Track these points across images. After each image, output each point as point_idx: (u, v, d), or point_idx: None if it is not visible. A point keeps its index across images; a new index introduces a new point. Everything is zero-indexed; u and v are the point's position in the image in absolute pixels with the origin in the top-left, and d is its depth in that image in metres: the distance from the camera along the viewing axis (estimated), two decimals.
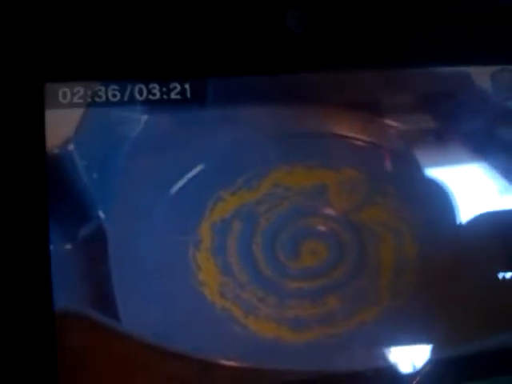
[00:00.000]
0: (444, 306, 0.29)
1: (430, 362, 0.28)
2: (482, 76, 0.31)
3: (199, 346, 0.27)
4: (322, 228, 0.29)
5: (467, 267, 0.30)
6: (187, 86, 0.28)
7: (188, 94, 0.29)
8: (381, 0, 0.31)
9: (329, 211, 0.29)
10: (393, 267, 0.29)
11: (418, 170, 0.31)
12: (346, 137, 0.30)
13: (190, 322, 0.27)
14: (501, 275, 0.30)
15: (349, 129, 0.30)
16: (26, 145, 0.27)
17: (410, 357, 0.28)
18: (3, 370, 0.25)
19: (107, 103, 0.28)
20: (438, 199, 0.30)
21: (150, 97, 0.28)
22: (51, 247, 0.26)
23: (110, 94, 0.28)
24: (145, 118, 0.28)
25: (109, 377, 0.26)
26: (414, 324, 0.29)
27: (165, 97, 0.28)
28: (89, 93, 0.28)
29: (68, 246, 0.27)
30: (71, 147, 0.27)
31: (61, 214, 0.27)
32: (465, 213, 0.30)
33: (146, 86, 0.28)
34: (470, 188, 0.31)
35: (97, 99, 0.28)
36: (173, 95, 0.28)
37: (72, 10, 0.28)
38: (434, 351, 0.29)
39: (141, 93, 0.28)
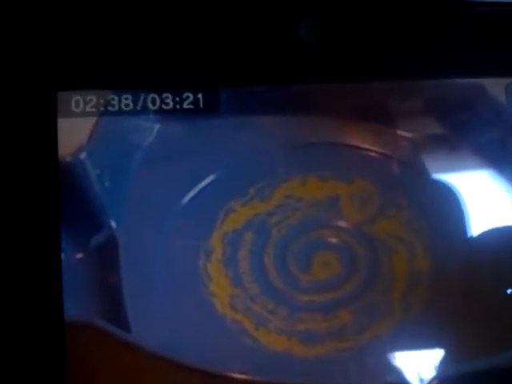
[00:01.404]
0: (456, 320, 0.29)
1: (441, 377, 0.28)
2: (496, 88, 0.31)
3: (209, 357, 0.27)
4: (334, 240, 0.29)
5: (480, 280, 0.29)
6: (200, 96, 0.28)
7: (201, 104, 0.28)
8: (395, 11, 0.31)
9: (341, 223, 0.29)
10: (405, 280, 0.29)
11: (430, 181, 0.30)
12: (359, 148, 0.30)
13: (200, 334, 0.27)
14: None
15: (362, 140, 0.30)
16: (38, 153, 0.27)
17: (421, 371, 0.28)
18: (13, 379, 0.25)
19: (120, 112, 0.28)
20: (451, 211, 0.30)
21: (163, 106, 0.28)
22: (62, 256, 0.26)
23: (122, 103, 0.28)
24: (157, 127, 0.28)
25: None
26: (426, 338, 0.28)
27: (178, 106, 0.28)
28: (101, 102, 0.28)
29: (79, 255, 0.27)
30: (83, 155, 0.27)
31: (72, 223, 0.27)
32: (478, 225, 0.30)
33: (159, 96, 0.28)
34: (483, 200, 0.30)
35: (109, 108, 0.28)
36: (186, 105, 0.28)
37: (85, 19, 0.28)
38: (445, 366, 0.28)
39: (154, 102, 0.28)
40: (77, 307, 0.26)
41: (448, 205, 0.30)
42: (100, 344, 0.26)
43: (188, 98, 0.28)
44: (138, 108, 0.28)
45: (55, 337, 0.26)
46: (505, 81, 0.31)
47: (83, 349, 0.26)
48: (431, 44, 0.31)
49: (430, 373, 0.28)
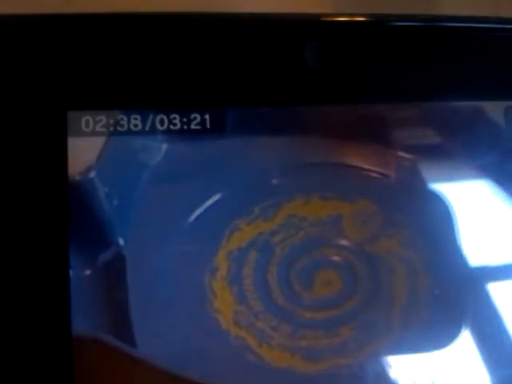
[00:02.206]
0: (456, 338, 0.29)
1: None
2: (495, 111, 0.32)
3: (213, 373, 0.27)
4: (336, 258, 0.30)
5: (480, 300, 0.30)
6: (207, 117, 0.29)
7: (207, 124, 0.29)
8: (397, 36, 0.31)
9: (343, 242, 0.30)
10: (405, 298, 0.29)
11: (430, 200, 0.31)
12: (361, 168, 0.31)
13: (204, 350, 0.27)
14: None
15: (363, 160, 0.31)
16: (48, 171, 0.27)
17: None
18: None
19: (129, 132, 0.28)
20: (451, 230, 0.31)
21: (171, 127, 0.29)
22: (71, 272, 0.27)
23: (131, 123, 0.28)
24: (165, 147, 0.29)
25: None
26: (425, 355, 0.29)
27: (185, 127, 0.29)
28: (111, 121, 0.28)
29: (87, 272, 0.27)
30: (93, 174, 0.28)
31: (81, 240, 0.27)
32: (477, 243, 0.31)
33: (167, 116, 0.29)
34: (482, 219, 0.31)
35: (119, 128, 0.28)
36: (193, 125, 0.29)
37: (96, 39, 0.28)
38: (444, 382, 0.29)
39: (162, 123, 0.28)
40: (84, 322, 0.27)
41: (448, 224, 0.31)
42: (106, 359, 0.27)
43: (195, 118, 0.29)
44: (147, 128, 0.28)
45: (63, 351, 0.26)
46: (504, 104, 0.32)
47: (90, 363, 0.26)
48: (432, 67, 0.31)
49: None
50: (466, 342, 0.29)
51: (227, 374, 0.27)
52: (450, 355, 0.29)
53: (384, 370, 0.29)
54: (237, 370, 0.28)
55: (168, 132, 0.29)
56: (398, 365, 0.29)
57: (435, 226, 0.31)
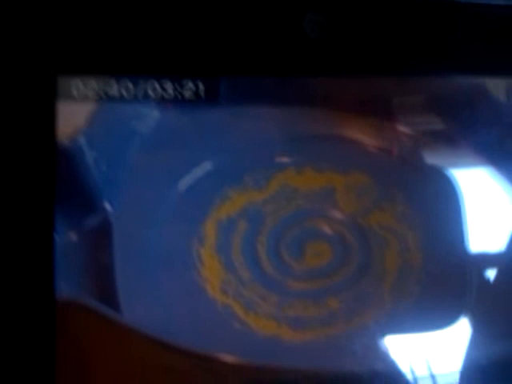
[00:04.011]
0: (447, 314, 0.29)
1: (428, 366, 0.28)
2: (497, 87, 0.31)
3: (199, 340, 0.27)
4: (328, 230, 0.29)
5: (473, 275, 0.30)
6: (201, 85, 0.29)
7: (201, 93, 0.29)
8: (398, 8, 0.31)
9: (336, 214, 0.30)
10: (397, 273, 0.29)
11: (427, 176, 0.31)
12: (357, 141, 0.30)
13: (191, 317, 0.28)
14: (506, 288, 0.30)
15: (360, 133, 0.30)
16: (36, 135, 0.27)
17: (409, 360, 0.28)
18: (2, 357, 0.26)
19: (119, 98, 0.28)
20: (447, 206, 0.30)
21: (163, 94, 0.28)
22: (56, 236, 0.27)
23: (122, 90, 0.28)
24: (157, 114, 0.29)
25: (107, 367, 0.27)
26: (415, 329, 0.29)
27: (178, 95, 0.29)
28: (102, 87, 0.28)
29: (73, 237, 0.27)
30: (81, 139, 0.28)
31: (67, 205, 0.27)
32: (473, 220, 0.30)
33: (160, 84, 0.28)
34: (480, 196, 0.30)
35: (109, 94, 0.28)
36: (186, 93, 0.29)
37: (88, 3, 0.28)
38: (433, 357, 0.29)
39: (154, 90, 0.28)
40: (68, 288, 0.27)
41: (444, 200, 0.30)
42: (90, 324, 0.27)
43: (189, 86, 0.29)
44: (138, 95, 0.28)
45: (46, 316, 0.26)
46: (506, 81, 0.31)
47: (73, 329, 0.27)
48: (435, 41, 0.31)
49: (418, 362, 0.28)
50: (462, 324, 0.29)
51: (213, 341, 0.27)
52: (445, 336, 0.29)
53: (372, 343, 0.28)
54: (223, 338, 0.28)
55: (160, 99, 0.28)
56: (386, 337, 0.28)
57: (431, 201, 0.31)
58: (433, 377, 0.28)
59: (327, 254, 0.29)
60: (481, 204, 0.30)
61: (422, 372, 0.28)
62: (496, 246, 0.30)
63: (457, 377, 0.29)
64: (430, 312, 0.29)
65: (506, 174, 0.31)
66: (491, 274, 0.30)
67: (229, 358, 0.27)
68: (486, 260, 0.30)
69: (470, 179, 0.31)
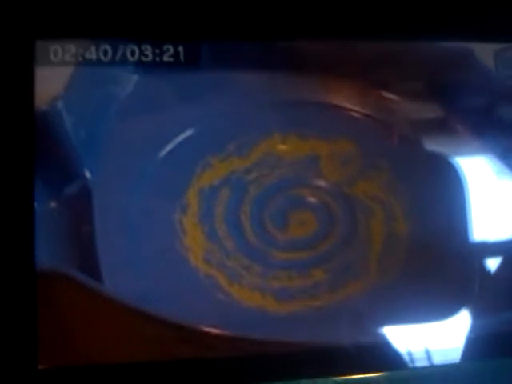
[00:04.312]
0: (432, 286, 0.29)
1: (411, 339, 0.28)
2: (485, 53, 0.31)
3: (181, 310, 0.27)
4: (312, 199, 0.29)
5: (458, 249, 0.29)
6: (181, 49, 0.28)
7: (181, 57, 0.28)
8: None
9: (320, 182, 0.29)
10: (382, 242, 0.29)
11: (414, 146, 0.30)
12: (343, 107, 0.30)
13: (173, 287, 0.27)
14: (491, 260, 0.29)
15: (346, 99, 0.30)
16: (14, 100, 0.27)
17: (393, 333, 0.28)
18: None
19: (98, 62, 0.27)
20: (433, 177, 0.30)
21: (142, 58, 0.28)
22: (35, 205, 0.26)
23: (101, 54, 0.27)
24: (136, 78, 0.28)
25: (88, 337, 0.26)
26: (400, 301, 0.28)
27: (157, 59, 0.28)
28: (80, 51, 0.27)
29: (53, 205, 0.27)
30: (60, 104, 0.27)
31: (47, 172, 0.27)
32: (459, 191, 0.30)
33: (139, 47, 0.28)
34: (466, 166, 0.30)
35: (88, 58, 0.27)
36: (165, 57, 0.28)
37: None
38: (417, 327, 0.28)
39: (133, 53, 0.28)
40: (49, 256, 0.26)
41: (430, 170, 0.30)
42: (71, 294, 0.26)
43: (168, 50, 0.28)
44: (117, 59, 0.28)
45: (26, 285, 0.26)
46: (494, 47, 0.31)
47: (54, 298, 0.26)
48: (421, 5, 0.30)
49: (401, 334, 0.28)
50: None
51: (196, 311, 0.27)
52: (424, 300, 0.28)
53: (357, 314, 0.28)
54: (206, 308, 0.27)
55: (139, 63, 0.28)
56: (371, 310, 0.28)
57: (417, 171, 0.30)
58: (426, 351, 0.28)
59: (311, 223, 0.29)
60: (465, 172, 0.30)
61: (411, 344, 0.28)
62: (486, 219, 0.30)
63: (447, 352, 0.28)
64: (417, 284, 0.28)
65: (494, 144, 0.31)
66: (482, 246, 0.30)
67: (211, 329, 0.27)
68: (477, 233, 0.30)
69: (455, 148, 0.30)
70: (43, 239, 0.26)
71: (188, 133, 0.28)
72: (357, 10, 0.30)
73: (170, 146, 0.28)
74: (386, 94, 0.30)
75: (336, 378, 0.27)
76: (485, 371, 0.28)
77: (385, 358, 0.28)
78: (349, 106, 0.30)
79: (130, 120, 0.28)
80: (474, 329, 0.29)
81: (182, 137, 0.28)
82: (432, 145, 0.30)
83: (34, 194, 0.26)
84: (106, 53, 0.27)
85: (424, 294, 0.29)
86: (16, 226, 0.26)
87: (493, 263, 0.29)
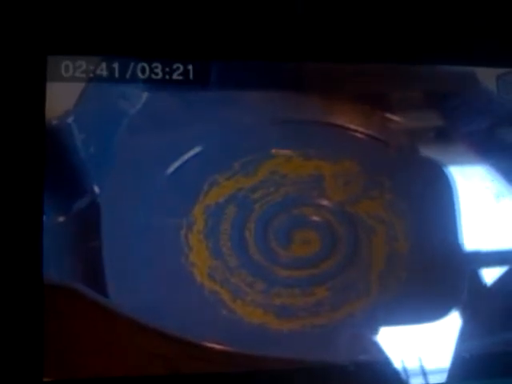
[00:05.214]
0: (432, 303, 0.29)
1: (416, 360, 0.28)
2: (487, 77, 0.31)
3: (185, 326, 0.27)
4: (315, 218, 0.29)
5: (458, 266, 0.30)
6: (190, 68, 0.28)
7: (191, 76, 0.29)
8: None
9: (324, 201, 0.29)
10: (384, 260, 0.29)
11: (416, 165, 0.31)
12: (347, 128, 0.30)
13: (178, 302, 0.27)
14: (493, 281, 0.30)
15: (349, 120, 0.30)
16: (26, 115, 0.27)
17: (394, 351, 0.28)
18: None
19: (109, 79, 0.28)
20: (435, 196, 0.30)
21: (152, 76, 0.28)
22: (44, 218, 0.26)
23: (112, 71, 0.28)
24: (145, 95, 0.28)
25: (93, 350, 0.26)
26: (401, 318, 0.29)
27: (167, 77, 0.28)
28: (91, 68, 0.28)
29: (61, 219, 0.27)
30: (70, 120, 0.27)
31: (56, 186, 0.27)
32: (460, 210, 0.30)
33: (149, 65, 0.28)
34: (468, 185, 0.30)
35: (99, 74, 0.28)
36: (175, 75, 0.28)
37: None
38: (421, 349, 0.29)
39: (143, 71, 0.28)
40: (56, 270, 0.26)
41: (432, 189, 0.30)
42: (78, 307, 0.26)
43: (178, 68, 0.28)
44: (127, 76, 0.28)
45: (33, 298, 0.26)
46: (497, 71, 0.31)
47: (61, 311, 0.26)
48: (425, 30, 0.31)
49: (403, 352, 0.28)
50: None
51: (200, 327, 0.27)
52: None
53: (358, 332, 0.28)
54: (210, 323, 0.27)
55: (149, 81, 0.28)
56: (372, 327, 0.28)
57: (419, 190, 0.30)
58: (421, 369, 0.28)
59: (315, 242, 0.29)
60: (467, 191, 0.30)
61: (409, 364, 0.28)
62: (486, 238, 0.30)
63: (445, 369, 0.29)
64: (417, 303, 0.29)
65: (495, 165, 0.31)
66: (482, 265, 0.30)
67: (214, 345, 0.27)
68: (477, 251, 0.30)
69: (457, 168, 0.31)
70: (51, 253, 0.26)
71: (196, 150, 0.29)
72: (362, 33, 0.30)
73: (177, 163, 0.28)
74: (388, 116, 0.31)
75: None
76: None
77: (383, 376, 0.28)
78: (353, 126, 0.30)
79: (139, 136, 0.28)
80: (472, 348, 0.29)
81: (189, 154, 0.29)
82: (432, 163, 0.30)
83: (42, 208, 0.26)
84: (116, 70, 0.28)
85: (424, 311, 0.29)
86: (24, 239, 0.26)
87: (492, 281, 0.30)
